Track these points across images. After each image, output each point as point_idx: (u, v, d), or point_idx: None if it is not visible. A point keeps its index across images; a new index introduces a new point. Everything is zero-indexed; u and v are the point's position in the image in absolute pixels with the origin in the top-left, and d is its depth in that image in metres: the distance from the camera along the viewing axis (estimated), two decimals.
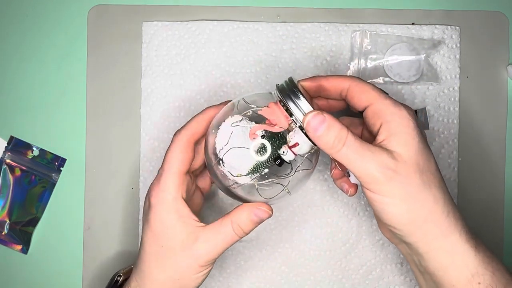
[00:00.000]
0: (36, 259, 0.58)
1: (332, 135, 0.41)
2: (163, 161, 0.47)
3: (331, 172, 0.50)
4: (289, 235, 0.57)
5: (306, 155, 0.45)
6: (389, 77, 0.56)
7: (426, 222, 0.42)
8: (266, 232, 0.57)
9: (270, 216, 0.45)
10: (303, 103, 0.42)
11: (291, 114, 0.42)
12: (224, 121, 0.46)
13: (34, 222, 0.57)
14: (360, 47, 0.56)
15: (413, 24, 0.57)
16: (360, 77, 0.56)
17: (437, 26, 0.57)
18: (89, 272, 0.57)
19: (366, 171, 0.41)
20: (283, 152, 0.44)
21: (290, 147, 0.44)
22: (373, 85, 0.45)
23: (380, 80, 0.56)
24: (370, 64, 0.56)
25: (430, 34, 0.57)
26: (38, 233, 0.58)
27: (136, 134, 0.57)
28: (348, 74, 0.56)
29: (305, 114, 0.42)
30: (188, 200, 0.47)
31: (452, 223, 0.42)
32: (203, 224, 0.45)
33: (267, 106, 0.44)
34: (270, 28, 0.57)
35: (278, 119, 0.44)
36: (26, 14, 0.58)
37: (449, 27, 0.57)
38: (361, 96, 0.44)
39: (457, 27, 0.57)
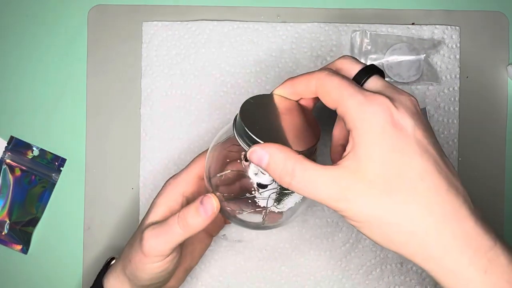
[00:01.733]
0: (36, 259, 0.58)
1: (277, 168, 0.37)
2: (192, 160, 0.48)
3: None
4: (289, 235, 0.57)
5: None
6: (389, 77, 0.56)
7: (407, 244, 0.36)
8: (266, 232, 0.57)
9: (214, 210, 0.42)
10: (248, 137, 0.39)
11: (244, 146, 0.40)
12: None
13: (34, 222, 0.57)
14: (360, 47, 0.56)
15: (413, 24, 0.57)
16: None
17: (437, 26, 0.57)
18: (89, 272, 0.57)
19: (324, 201, 0.36)
20: (255, 173, 0.42)
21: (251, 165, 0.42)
22: (340, 79, 0.38)
23: None
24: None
25: (430, 34, 0.57)
26: (38, 233, 0.58)
27: (136, 134, 0.57)
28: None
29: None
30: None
31: (447, 244, 0.35)
32: None
33: None
34: (270, 28, 0.57)
35: None
36: (26, 14, 0.58)
37: (449, 27, 0.57)
38: (327, 98, 0.38)
39: (457, 27, 0.57)
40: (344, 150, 0.37)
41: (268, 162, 0.37)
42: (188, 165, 0.47)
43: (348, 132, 0.37)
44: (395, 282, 0.57)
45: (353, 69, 0.40)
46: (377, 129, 0.35)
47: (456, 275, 0.35)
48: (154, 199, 0.47)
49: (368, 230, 0.36)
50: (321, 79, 0.39)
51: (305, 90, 0.41)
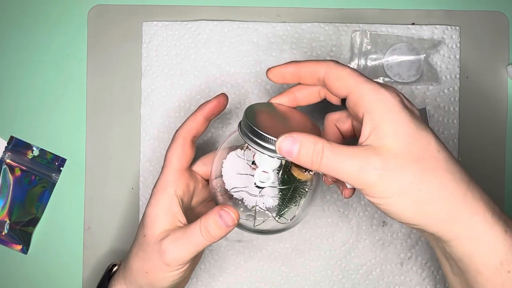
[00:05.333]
0: (36, 259, 0.58)
1: (308, 152, 0.38)
2: (164, 159, 0.48)
3: (322, 178, 0.47)
4: (289, 235, 0.57)
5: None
6: (389, 77, 0.56)
7: (438, 211, 0.38)
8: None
9: (234, 222, 0.43)
10: (262, 137, 0.40)
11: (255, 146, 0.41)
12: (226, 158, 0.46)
13: (34, 222, 0.57)
14: (360, 47, 0.56)
15: (413, 24, 0.57)
16: None
17: (437, 26, 0.57)
18: (89, 272, 0.57)
19: (354, 179, 0.38)
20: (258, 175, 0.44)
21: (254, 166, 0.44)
22: (351, 69, 0.41)
23: (380, 80, 0.56)
24: (370, 64, 0.56)
25: (430, 34, 0.57)
26: (38, 233, 0.58)
27: (136, 134, 0.57)
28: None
29: (273, 142, 0.40)
30: (189, 197, 0.48)
31: (472, 205, 0.38)
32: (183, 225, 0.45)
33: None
34: (270, 28, 0.57)
35: None
36: (26, 14, 0.58)
37: (449, 27, 0.57)
38: (338, 84, 0.41)
39: (457, 27, 0.57)
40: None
41: (299, 149, 0.38)
42: (164, 165, 0.47)
43: (352, 125, 0.43)
44: (395, 282, 0.57)
45: None
46: (395, 108, 0.38)
47: (481, 236, 0.38)
48: (147, 211, 0.46)
49: (398, 206, 0.38)
50: (331, 67, 0.41)
51: (310, 74, 0.43)
